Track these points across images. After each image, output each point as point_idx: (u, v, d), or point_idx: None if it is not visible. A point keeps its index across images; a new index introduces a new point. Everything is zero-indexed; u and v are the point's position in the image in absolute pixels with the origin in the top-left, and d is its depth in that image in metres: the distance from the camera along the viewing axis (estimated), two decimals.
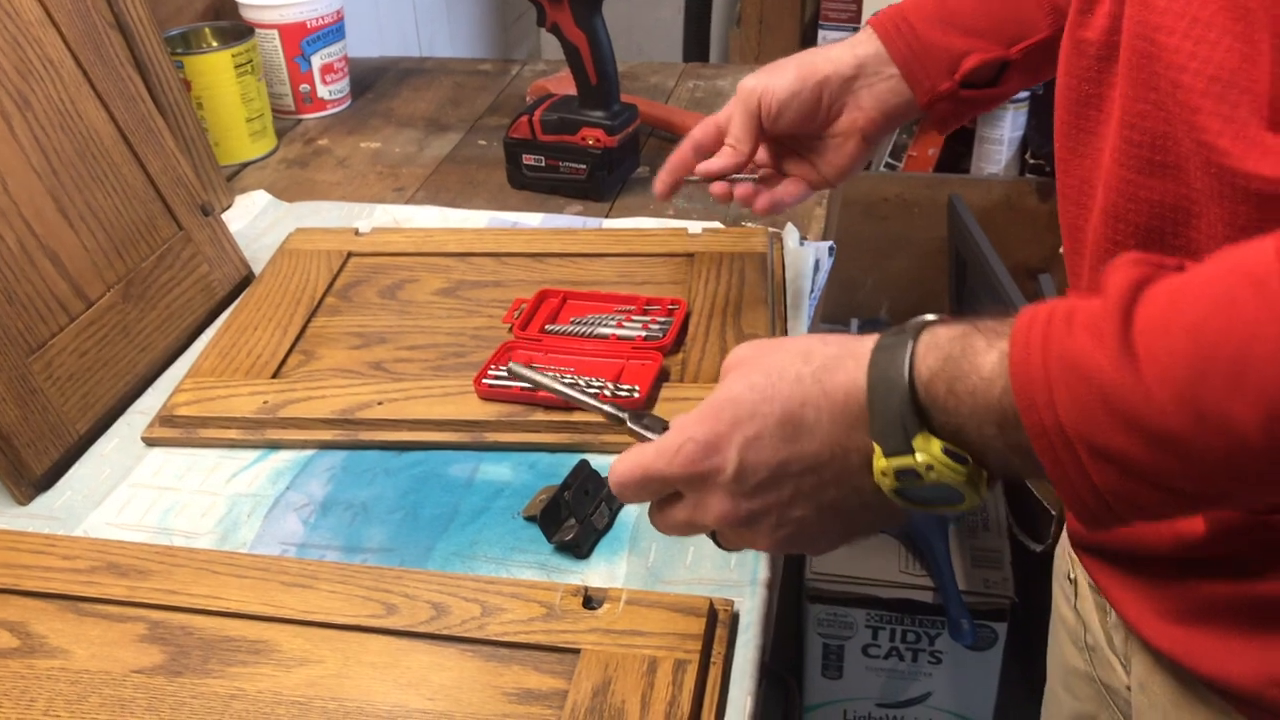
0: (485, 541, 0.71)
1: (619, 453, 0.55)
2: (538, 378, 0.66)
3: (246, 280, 1.01)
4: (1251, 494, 0.44)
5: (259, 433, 0.81)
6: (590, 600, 0.63)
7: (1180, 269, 0.42)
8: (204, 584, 0.66)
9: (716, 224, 1.05)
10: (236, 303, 0.96)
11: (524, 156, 1.15)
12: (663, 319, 0.88)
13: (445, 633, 0.62)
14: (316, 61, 1.34)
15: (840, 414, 0.49)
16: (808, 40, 2.16)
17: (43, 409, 0.78)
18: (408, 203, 1.16)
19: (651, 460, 0.53)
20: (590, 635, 0.61)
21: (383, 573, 0.66)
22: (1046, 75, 0.78)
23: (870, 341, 0.49)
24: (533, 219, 1.11)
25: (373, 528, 0.73)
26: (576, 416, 0.78)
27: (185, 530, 0.74)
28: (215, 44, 1.26)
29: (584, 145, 1.12)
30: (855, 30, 2.05)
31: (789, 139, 0.82)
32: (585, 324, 0.88)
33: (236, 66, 1.21)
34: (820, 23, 2.12)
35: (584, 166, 1.12)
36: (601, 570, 0.69)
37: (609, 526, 0.72)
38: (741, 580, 0.67)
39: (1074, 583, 0.76)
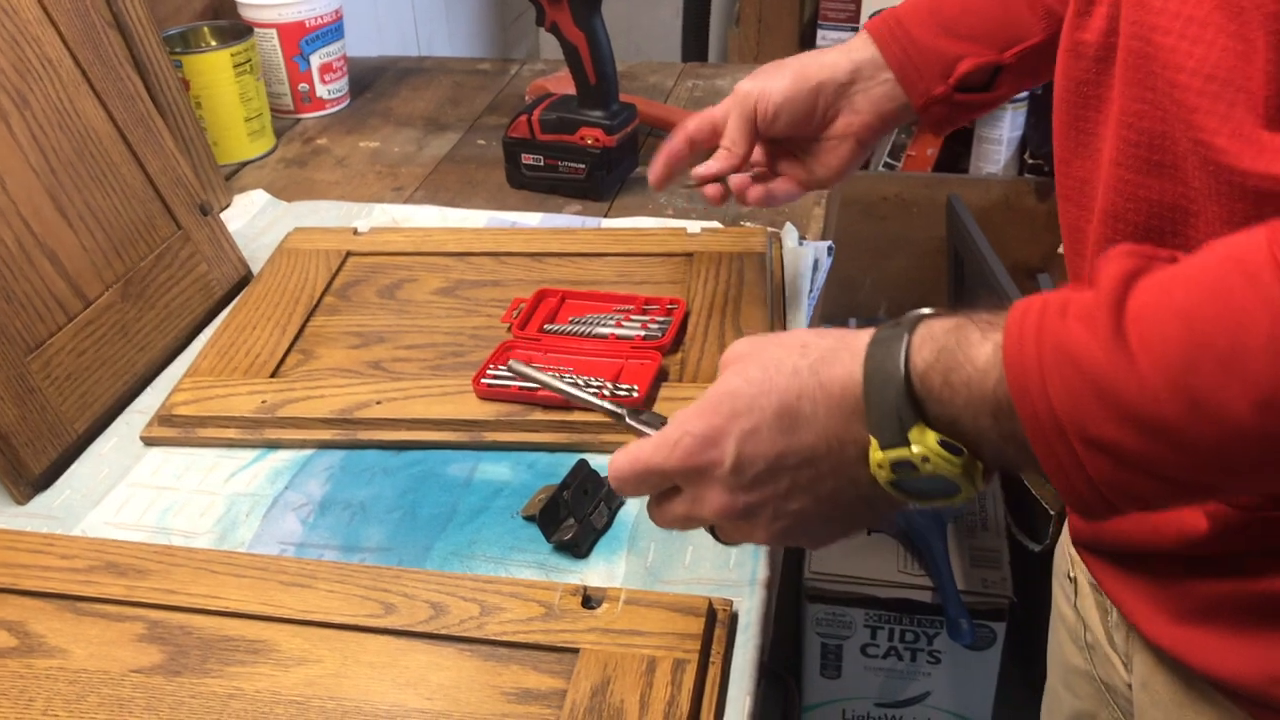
0: (484, 541, 0.71)
1: None
2: (538, 375, 0.67)
3: (245, 280, 1.01)
4: (1244, 483, 0.45)
5: (257, 432, 0.81)
6: (589, 600, 0.63)
7: (1172, 260, 0.43)
8: (202, 583, 0.66)
9: (715, 224, 1.05)
10: (235, 302, 0.96)
11: (523, 156, 1.15)
12: (661, 318, 0.88)
13: (444, 632, 0.62)
14: (315, 61, 1.34)
15: (836, 407, 0.49)
16: (807, 40, 2.16)
17: (41, 408, 0.78)
18: (406, 202, 1.16)
19: (650, 454, 0.53)
20: (589, 635, 0.61)
21: (381, 572, 0.66)
22: (1040, 80, 0.78)
23: (866, 335, 0.49)
24: (531, 218, 1.11)
25: (371, 527, 0.73)
26: (575, 416, 0.78)
27: (184, 530, 0.74)
28: (214, 43, 1.26)
29: (583, 145, 1.12)
30: (854, 30, 2.05)
31: (784, 140, 0.83)
32: (584, 323, 0.88)
33: (235, 66, 1.21)
34: (819, 23, 2.12)
35: (583, 166, 1.12)
36: (600, 570, 0.69)
37: (608, 526, 0.72)
38: (740, 580, 0.67)
39: (1074, 581, 0.76)
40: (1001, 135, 1.93)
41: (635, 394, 0.78)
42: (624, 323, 0.87)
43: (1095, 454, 0.42)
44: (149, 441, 0.82)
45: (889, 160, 2.01)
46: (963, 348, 0.46)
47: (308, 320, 0.92)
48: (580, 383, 0.78)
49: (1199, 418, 0.39)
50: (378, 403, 0.81)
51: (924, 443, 0.46)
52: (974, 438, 0.46)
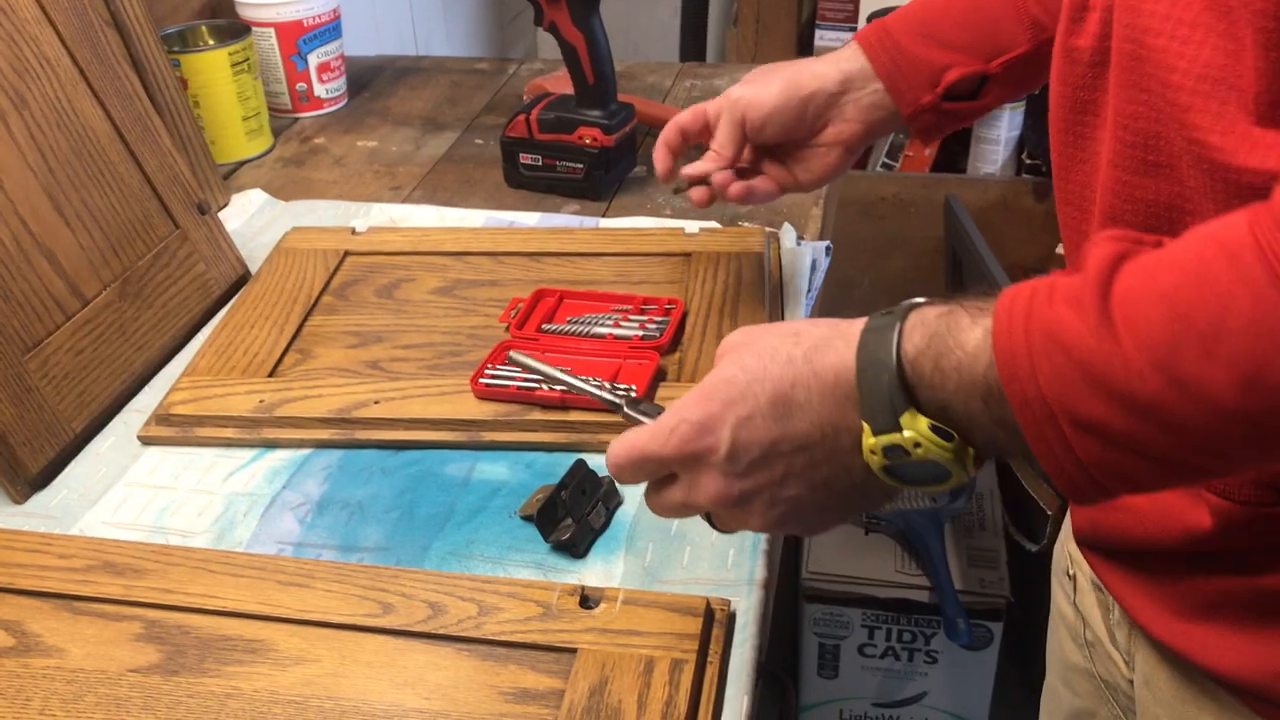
0: (482, 541, 0.71)
1: None
2: (539, 365, 0.67)
3: (243, 279, 1.01)
4: (1233, 463, 0.45)
5: (255, 432, 0.80)
6: (587, 600, 0.63)
7: (1158, 245, 0.43)
8: (200, 583, 0.66)
9: (713, 224, 1.05)
10: (233, 301, 0.96)
11: (521, 155, 1.15)
12: (660, 318, 0.88)
13: (442, 632, 0.62)
14: (313, 60, 1.34)
15: (830, 394, 0.50)
16: (805, 40, 2.16)
17: (38, 407, 0.78)
18: (404, 202, 1.16)
19: (646, 441, 0.54)
20: (587, 635, 0.61)
21: (379, 572, 0.66)
22: (1027, 89, 0.80)
23: (860, 323, 0.50)
24: (529, 218, 1.11)
25: (369, 527, 0.73)
26: (573, 416, 0.78)
27: (181, 529, 0.74)
28: (212, 42, 1.26)
29: (581, 144, 1.12)
30: (853, 30, 2.06)
31: (774, 145, 0.83)
32: (582, 323, 0.88)
33: (233, 65, 1.21)
34: (817, 23, 2.12)
35: (581, 166, 1.12)
36: (598, 570, 0.69)
37: (606, 526, 0.72)
38: (738, 580, 0.67)
39: (1073, 579, 0.76)
40: (999, 135, 1.93)
41: (634, 394, 0.78)
42: (622, 323, 0.87)
43: (1084, 435, 0.43)
44: (146, 441, 0.82)
45: (887, 160, 2.01)
46: (953, 333, 0.46)
47: (305, 320, 0.92)
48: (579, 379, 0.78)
49: (1184, 398, 0.40)
50: (375, 402, 0.81)
51: (915, 428, 0.47)
52: (965, 422, 0.47)
